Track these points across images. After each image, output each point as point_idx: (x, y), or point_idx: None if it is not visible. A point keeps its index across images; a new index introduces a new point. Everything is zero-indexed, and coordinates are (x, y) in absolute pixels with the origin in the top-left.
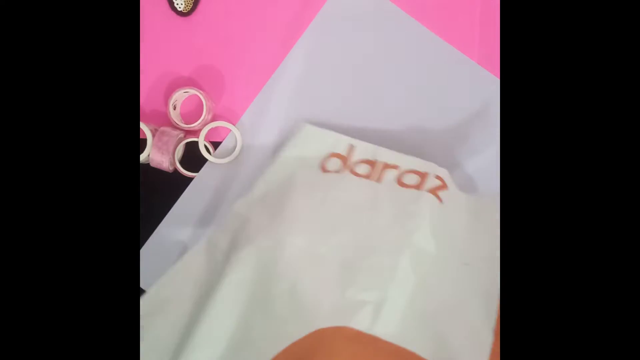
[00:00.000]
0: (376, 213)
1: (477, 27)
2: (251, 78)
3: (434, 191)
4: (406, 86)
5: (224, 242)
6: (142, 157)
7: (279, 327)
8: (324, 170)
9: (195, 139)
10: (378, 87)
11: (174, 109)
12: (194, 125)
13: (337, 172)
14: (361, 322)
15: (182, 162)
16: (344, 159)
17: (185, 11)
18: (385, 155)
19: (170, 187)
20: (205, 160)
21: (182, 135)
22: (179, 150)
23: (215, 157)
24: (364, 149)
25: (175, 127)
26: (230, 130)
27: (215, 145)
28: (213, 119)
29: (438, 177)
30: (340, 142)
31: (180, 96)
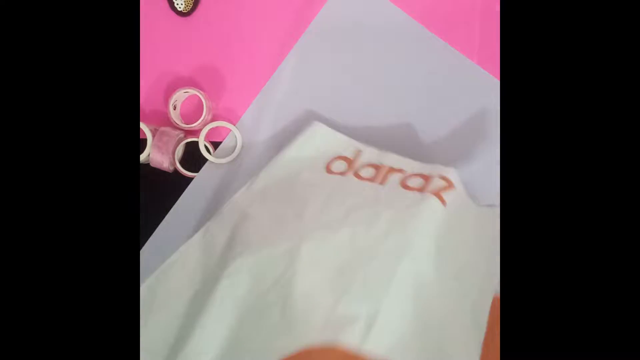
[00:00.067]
0: (376, 217)
1: (477, 28)
2: (251, 78)
3: (437, 193)
4: (406, 87)
5: (222, 236)
6: (142, 157)
7: (269, 342)
8: (329, 171)
9: (195, 139)
10: (378, 88)
11: (174, 109)
12: (194, 125)
13: (341, 174)
14: (351, 339)
15: (182, 162)
16: (349, 161)
17: (185, 11)
18: (390, 159)
19: (170, 187)
20: (206, 160)
21: (182, 135)
22: (179, 150)
23: (216, 157)
24: (371, 154)
25: (175, 127)
26: (231, 130)
27: (216, 145)
28: (213, 119)
29: (443, 177)
30: (348, 146)
31: (180, 96)
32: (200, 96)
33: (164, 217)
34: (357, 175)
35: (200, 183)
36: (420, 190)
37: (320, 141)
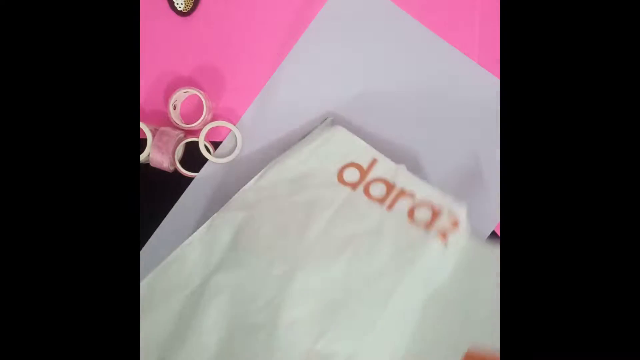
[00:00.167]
0: (375, 253)
1: (477, 27)
2: (251, 78)
3: (442, 233)
4: (406, 86)
5: (226, 235)
6: (142, 157)
7: None
8: (340, 179)
9: (195, 139)
10: (378, 87)
11: (174, 108)
12: (194, 125)
13: (352, 186)
14: None
15: (182, 162)
16: (362, 171)
17: (185, 11)
18: (404, 179)
19: (170, 187)
20: (206, 160)
21: (182, 135)
22: (179, 150)
23: (216, 157)
24: (385, 167)
25: (175, 127)
26: (231, 130)
27: (216, 145)
28: (213, 119)
29: (452, 216)
30: (365, 154)
31: (180, 96)
32: (200, 96)
33: (164, 217)
34: (367, 191)
35: (200, 183)
36: (426, 227)
37: (337, 144)
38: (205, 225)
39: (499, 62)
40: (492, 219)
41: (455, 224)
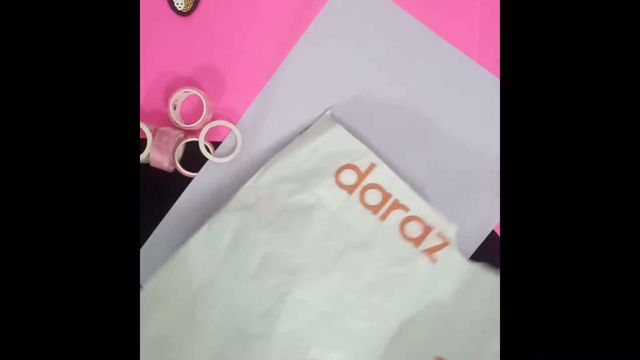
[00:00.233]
0: (366, 266)
1: (477, 27)
2: (251, 78)
3: (430, 251)
4: (406, 85)
5: (226, 238)
6: (142, 157)
7: None
8: (337, 181)
9: (195, 139)
10: (378, 87)
11: (174, 108)
12: (194, 125)
13: (348, 189)
14: None
15: (182, 162)
16: (360, 174)
17: (185, 11)
18: (399, 191)
19: (170, 187)
20: (205, 160)
21: (182, 135)
22: (179, 150)
23: (216, 156)
24: (382, 174)
25: (175, 127)
26: (231, 129)
27: (216, 145)
28: (213, 119)
29: (441, 236)
30: (363, 157)
31: (180, 96)
32: (200, 96)
33: (164, 217)
34: (362, 197)
35: (200, 183)
36: (416, 243)
37: (336, 146)
38: (205, 226)
39: (499, 62)
40: (492, 219)
41: (444, 242)
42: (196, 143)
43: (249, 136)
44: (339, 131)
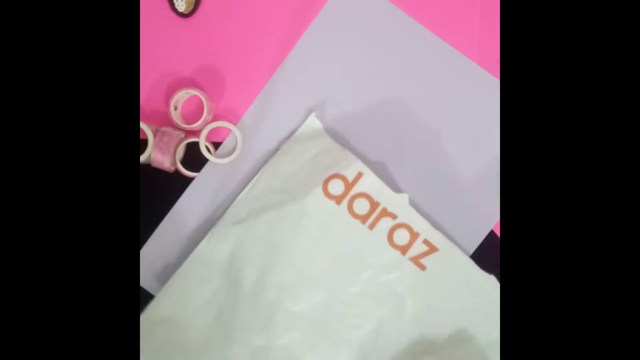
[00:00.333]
0: (353, 277)
1: (477, 28)
2: (252, 78)
3: (416, 259)
4: (406, 87)
5: (223, 254)
6: (144, 157)
7: None
8: (325, 192)
9: (196, 140)
10: (377, 88)
11: (175, 109)
12: (195, 126)
13: (337, 199)
14: None
15: (183, 162)
16: (347, 184)
17: (186, 12)
18: (387, 199)
19: (171, 187)
20: (206, 160)
21: (183, 135)
22: (180, 151)
23: (216, 157)
24: (370, 183)
25: (176, 127)
26: (231, 130)
27: (216, 145)
28: (214, 120)
29: (426, 242)
30: (351, 165)
31: (181, 97)
32: (201, 97)
33: (164, 217)
34: (350, 207)
35: (201, 183)
36: (403, 251)
37: (324, 156)
38: (204, 240)
39: (499, 62)
40: (492, 219)
41: (431, 250)
42: (197, 144)
43: (249, 137)
44: (326, 141)
